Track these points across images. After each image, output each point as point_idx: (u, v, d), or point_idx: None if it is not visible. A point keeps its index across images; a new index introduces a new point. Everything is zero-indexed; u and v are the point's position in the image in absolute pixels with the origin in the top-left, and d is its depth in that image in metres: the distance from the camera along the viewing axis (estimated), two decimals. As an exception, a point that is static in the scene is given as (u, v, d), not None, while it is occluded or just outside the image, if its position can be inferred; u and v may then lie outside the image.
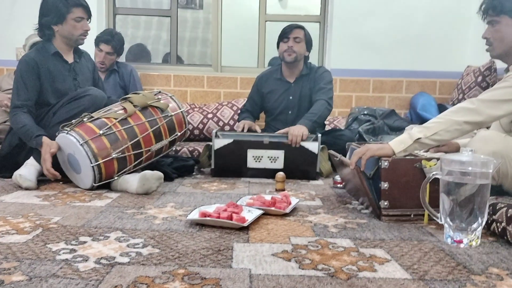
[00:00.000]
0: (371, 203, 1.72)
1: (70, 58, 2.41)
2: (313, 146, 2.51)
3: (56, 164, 2.15)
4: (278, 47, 2.91)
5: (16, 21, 3.58)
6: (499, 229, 1.46)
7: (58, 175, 2.14)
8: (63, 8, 2.27)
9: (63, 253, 1.24)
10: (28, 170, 2.14)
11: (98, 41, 3.23)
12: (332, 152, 2.14)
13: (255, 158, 2.53)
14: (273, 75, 2.99)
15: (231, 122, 3.44)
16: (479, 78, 3.14)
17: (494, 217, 1.49)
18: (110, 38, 3.20)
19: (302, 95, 2.90)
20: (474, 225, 1.37)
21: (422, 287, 1.07)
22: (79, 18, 2.31)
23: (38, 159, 2.16)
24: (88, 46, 2.72)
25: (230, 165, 2.54)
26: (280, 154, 2.51)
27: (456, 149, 1.89)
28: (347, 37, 3.68)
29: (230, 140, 2.53)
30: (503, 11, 1.70)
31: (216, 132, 2.60)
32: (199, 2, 5.54)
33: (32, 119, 2.20)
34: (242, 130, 2.80)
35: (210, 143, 2.60)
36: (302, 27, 2.88)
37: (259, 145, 2.52)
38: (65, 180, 2.22)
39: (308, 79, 2.90)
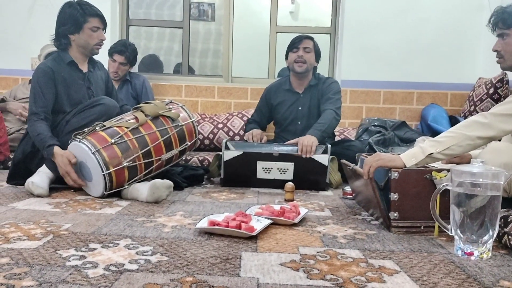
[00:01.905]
0: (382, 214, 1.71)
1: (84, 68, 2.46)
2: (323, 159, 2.51)
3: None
4: (286, 57, 2.93)
5: (31, 32, 3.66)
6: (511, 242, 1.44)
7: (84, 183, 2.16)
8: (80, 17, 2.33)
9: (73, 259, 1.25)
10: (40, 178, 2.16)
11: (111, 51, 3.28)
12: (344, 161, 2.14)
13: (265, 170, 2.53)
14: (282, 86, 3.01)
15: (241, 132, 3.45)
16: (491, 90, 3.12)
17: (505, 229, 1.47)
18: (124, 49, 3.25)
19: (311, 105, 2.91)
20: (485, 238, 1.36)
21: (431, 299, 1.06)
22: (95, 28, 2.37)
23: (50, 167, 2.19)
24: (102, 56, 2.77)
25: (239, 175, 2.55)
26: (289, 166, 2.51)
27: (468, 161, 1.88)
28: (357, 49, 3.69)
29: (239, 152, 2.53)
30: None
31: (226, 142, 2.62)
32: (211, 14, 5.61)
33: (48, 127, 2.24)
34: (253, 140, 2.81)
35: (220, 153, 2.61)
36: (311, 38, 2.90)
37: (268, 157, 2.52)
38: (77, 188, 2.25)
39: (316, 89, 2.92)
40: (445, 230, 1.47)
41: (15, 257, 1.25)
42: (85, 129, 2.16)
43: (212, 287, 1.09)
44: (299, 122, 2.94)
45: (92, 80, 2.47)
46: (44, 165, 2.23)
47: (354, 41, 3.69)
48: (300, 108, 2.94)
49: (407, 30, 3.66)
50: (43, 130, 2.21)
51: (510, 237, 1.44)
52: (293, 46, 2.87)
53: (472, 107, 3.27)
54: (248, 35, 4.78)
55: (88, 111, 2.27)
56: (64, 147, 2.17)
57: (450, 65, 3.68)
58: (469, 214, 1.35)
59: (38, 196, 2.11)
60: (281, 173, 2.52)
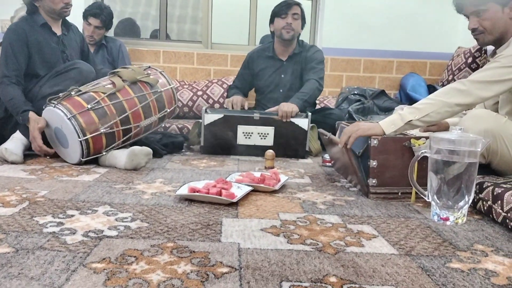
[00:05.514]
0: (359, 181, 1.73)
1: (58, 30, 2.36)
2: (303, 123, 2.51)
3: (43, 138, 2.12)
4: (272, 22, 2.86)
5: (0, -8, 3.48)
6: (485, 208, 1.48)
7: (51, 152, 2.12)
8: None
9: (50, 226, 1.23)
10: (14, 144, 2.11)
11: (86, 14, 3.15)
12: (321, 130, 2.15)
13: (245, 135, 2.52)
14: (264, 53, 2.95)
15: (221, 100, 3.41)
16: (469, 60, 3.14)
17: (480, 195, 1.51)
18: (99, 12, 3.12)
19: (294, 73, 2.88)
20: (461, 203, 1.39)
21: (408, 262, 1.09)
22: None
23: (24, 133, 2.13)
24: (76, 19, 2.66)
25: (219, 141, 2.53)
26: (270, 130, 2.51)
27: (446, 129, 1.90)
28: (339, 16, 3.65)
29: (220, 115, 2.51)
30: None
31: (205, 110, 2.58)
32: (189, -23, 5.44)
33: (21, 91, 2.17)
34: (233, 108, 2.77)
35: (200, 120, 2.58)
36: (299, 4, 2.83)
37: (249, 121, 2.51)
38: (52, 155, 2.20)
39: (300, 57, 2.88)
40: (422, 196, 1.49)
41: (-10, 224, 1.23)
42: (60, 94, 2.09)
43: (193, 252, 1.09)
44: (280, 90, 2.91)
45: (67, 43, 2.38)
46: (18, 131, 2.16)
47: (335, 8, 3.64)
48: (282, 76, 2.90)
49: (388, -2, 3.63)
50: (17, 95, 2.14)
51: (484, 203, 1.48)
52: (281, 11, 2.79)
53: (451, 76, 3.29)
54: (227, 0, 4.66)
55: (63, 76, 2.20)
56: (38, 113, 2.10)
57: (430, 34, 3.69)
58: (446, 181, 1.38)
59: (12, 162, 2.06)
60: (261, 138, 2.52)
